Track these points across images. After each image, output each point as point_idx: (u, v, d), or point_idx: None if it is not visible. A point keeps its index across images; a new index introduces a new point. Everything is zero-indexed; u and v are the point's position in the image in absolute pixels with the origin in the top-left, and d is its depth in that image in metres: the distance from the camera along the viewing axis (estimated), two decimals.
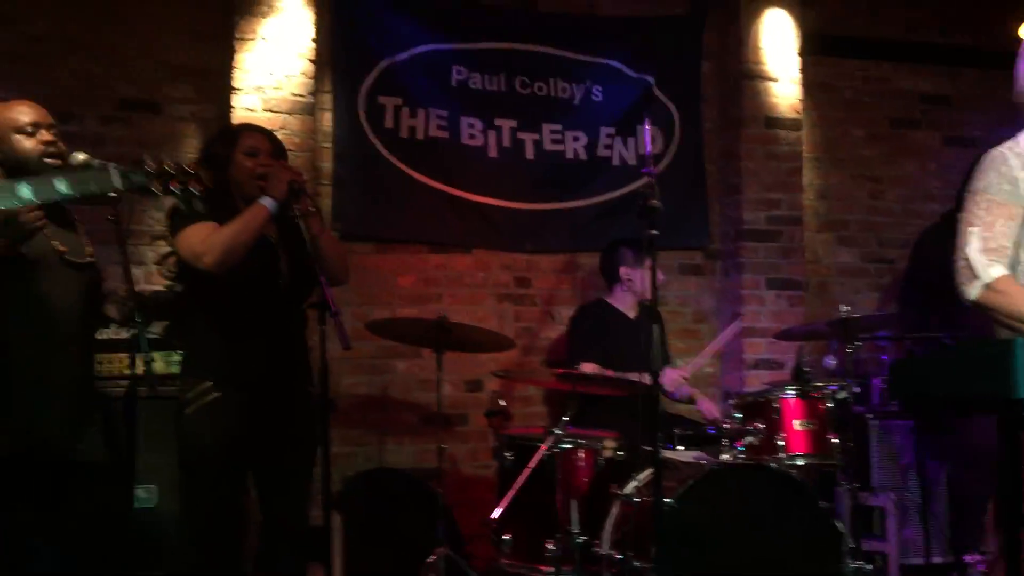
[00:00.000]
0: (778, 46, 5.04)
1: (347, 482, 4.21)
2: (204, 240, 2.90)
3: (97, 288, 2.90)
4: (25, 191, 1.98)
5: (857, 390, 3.95)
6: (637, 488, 3.34)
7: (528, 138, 4.86)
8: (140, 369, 2.78)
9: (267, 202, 2.93)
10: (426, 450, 4.37)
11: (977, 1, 5.41)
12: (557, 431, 3.48)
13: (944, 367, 2.30)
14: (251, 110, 4.30)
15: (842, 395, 3.67)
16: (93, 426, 2.77)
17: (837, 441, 3.59)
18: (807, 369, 3.77)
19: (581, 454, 3.56)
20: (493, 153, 4.81)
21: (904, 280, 4.79)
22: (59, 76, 4.28)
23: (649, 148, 3.46)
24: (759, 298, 4.96)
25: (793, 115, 5.06)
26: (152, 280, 3.91)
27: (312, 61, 4.46)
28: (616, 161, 4.98)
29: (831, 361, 3.91)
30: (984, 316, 2.46)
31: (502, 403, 4.03)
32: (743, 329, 4.86)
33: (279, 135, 3.38)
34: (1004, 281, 2.40)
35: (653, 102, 5.01)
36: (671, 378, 4.16)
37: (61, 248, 2.71)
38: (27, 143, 2.70)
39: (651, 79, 5.03)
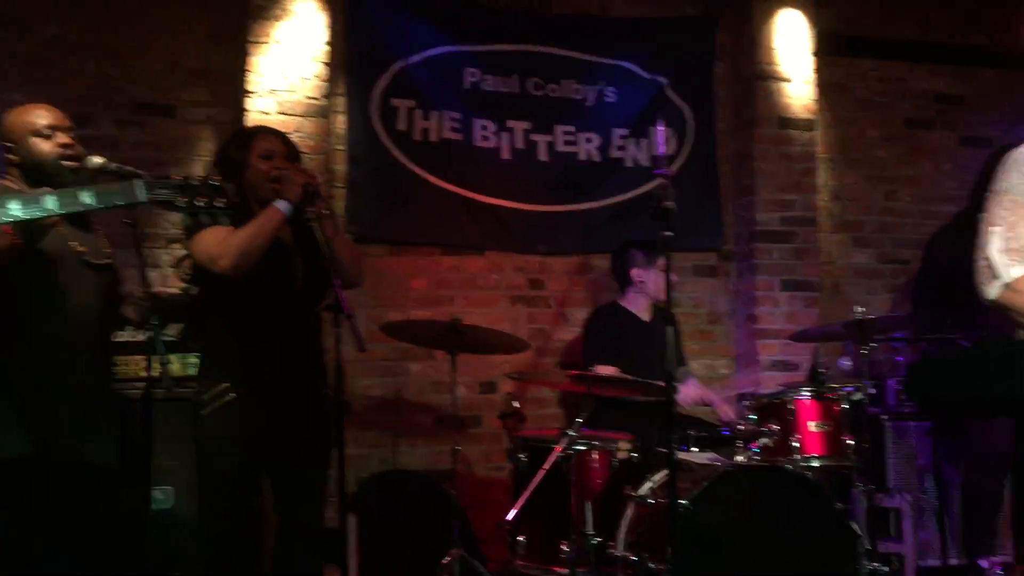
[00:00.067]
0: (792, 46, 5.02)
1: (362, 484, 4.21)
2: (219, 243, 2.91)
3: (115, 289, 2.91)
4: (50, 202, 1.99)
5: (872, 391, 3.93)
6: (652, 489, 3.33)
7: (541, 140, 4.87)
8: (156, 371, 2.79)
9: (282, 205, 2.94)
10: (440, 452, 4.38)
11: (992, 1, 5.38)
12: (571, 433, 3.47)
13: (962, 368, 2.29)
14: (265, 113, 4.32)
15: (857, 396, 3.65)
16: (110, 428, 2.77)
17: (852, 442, 3.58)
18: (823, 370, 3.75)
19: (595, 455, 3.55)
20: (506, 155, 4.81)
21: (917, 281, 4.77)
22: (75, 80, 4.31)
23: (662, 149, 3.47)
24: (773, 299, 4.94)
25: (807, 115, 5.05)
26: (168, 283, 3.92)
27: (326, 64, 4.48)
28: (629, 162, 4.98)
29: (846, 362, 3.91)
30: (1001, 316, 2.45)
31: (516, 405, 4.03)
32: (759, 331, 4.86)
33: (293, 138, 3.39)
34: None
35: (666, 103, 5.00)
36: (689, 396, 4.17)
37: (79, 249, 2.72)
38: (44, 146, 2.71)
39: (664, 80, 5.02)
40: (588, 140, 4.93)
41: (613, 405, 3.87)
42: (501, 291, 4.81)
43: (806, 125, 5.04)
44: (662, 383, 3.05)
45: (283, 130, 3.58)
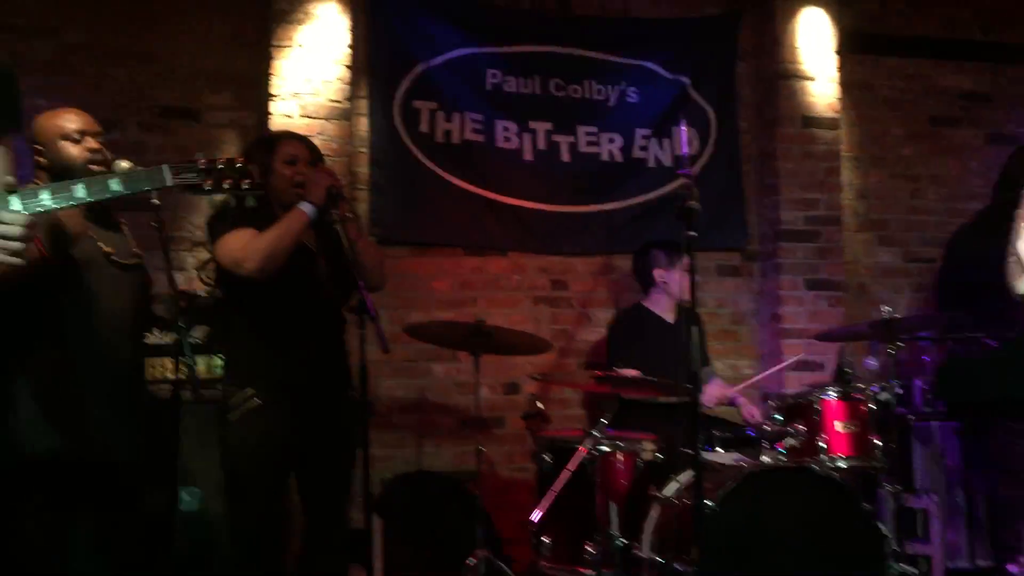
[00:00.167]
0: (815, 45, 4.99)
1: (386, 485, 4.23)
2: (245, 247, 2.93)
3: (145, 288, 2.92)
4: (80, 190, 2.02)
5: (899, 391, 3.90)
6: (677, 490, 3.32)
7: (563, 140, 4.86)
8: (183, 374, 2.81)
9: (306, 207, 2.95)
10: (464, 452, 4.38)
11: None
12: (596, 433, 3.47)
13: (991, 369, 2.27)
14: (289, 116, 4.34)
15: (884, 396, 3.63)
16: (141, 429, 2.79)
17: (879, 443, 3.55)
18: (849, 370, 3.73)
19: (620, 456, 3.54)
20: (528, 156, 4.81)
21: (938, 279, 4.73)
22: (101, 85, 4.35)
23: (685, 149, 3.43)
24: (798, 299, 4.91)
25: (831, 114, 5.01)
26: (193, 286, 3.95)
27: (348, 67, 4.50)
28: (652, 163, 4.96)
29: (872, 362, 3.87)
30: None
31: (540, 405, 4.02)
32: (783, 330, 4.83)
33: (316, 141, 3.41)
34: None
35: (688, 103, 4.99)
36: (713, 396, 4.16)
37: (107, 249, 2.74)
38: (73, 150, 2.74)
39: (686, 80, 5.01)
40: (610, 140, 4.92)
41: (637, 406, 3.86)
42: (524, 292, 4.81)
43: (830, 124, 5.01)
44: (686, 384, 3.04)
45: (306, 133, 3.61)
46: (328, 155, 3.94)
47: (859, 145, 5.25)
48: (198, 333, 3.63)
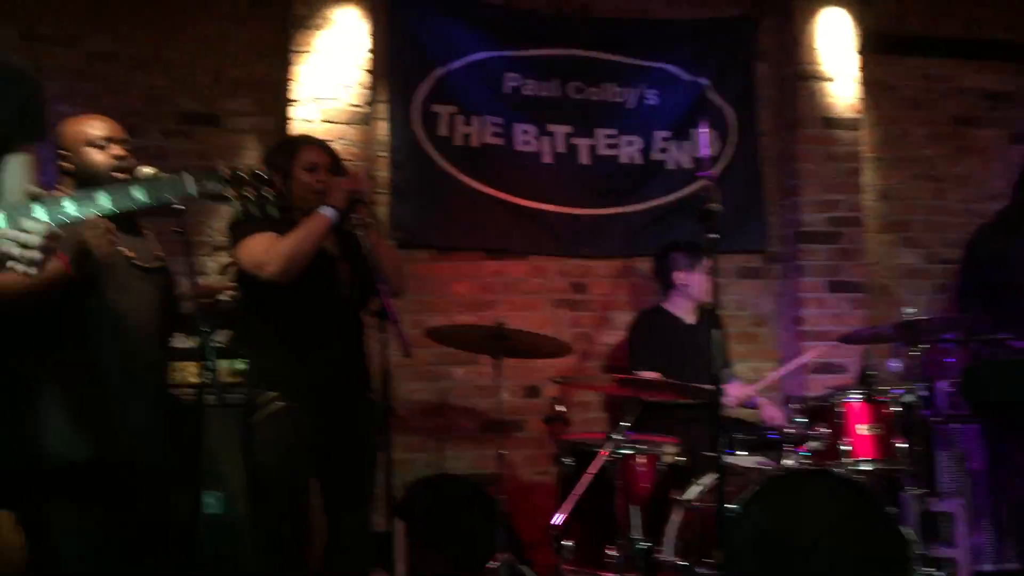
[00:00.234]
0: (835, 45, 4.97)
1: (408, 488, 4.23)
2: (267, 250, 2.94)
3: (170, 291, 2.92)
4: (104, 200, 2.02)
5: (923, 394, 3.87)
6: (699, 494, 3.31)
7: (582, 143, 4.86)
8: (207, 378, 2.82)
9: (327, 211, 2.97)
10: (485, 456, 4.38)
11: None
12: (617, 436, 3.46)
13: (1017, 371, 2.25)
14: (309, 121, 4.36)
15: (908, 399, 3.60)
16: (167, 432, 2.80)
17: (903, 445, 3.53)
18: (873, 372, 3.70)
19: (642, 460, 3.54)
20: (548, 159, 4.81)
21: (958, 280, 4.69)
22: (123, 91, 4.37)
23: (705, 151, 3.43)
24: (819, 301, 4.89)
25: (852, 115, 4.99)
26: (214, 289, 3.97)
27: (368, 71, 4.51)
28: (671, 165, 4.95)
29: (896, 364, 3.84)
30: None
31: (561, 409, 4.02)
32: (805, 333, 4.80)
33: (336, 145, 3.43)
34: None
35: (708, 105, 4.98)
36: (735, 395, 4.14)
37: (129, 254, 2.75)
38: (98, 156, 2.75)
39: (705, 82, 4.99)
40: (629, 143, 4.91)
41: (658, 408, 3.85)
42: (544, 295, 4.80)
43: (851, 124, 4.98)
44: (708, 386, 3.03)
45: (326, 138, 3.62)
46: (348, 160, 3.94)
47: (881, 146, 5.21)
48: (221, 337, 3.64)
